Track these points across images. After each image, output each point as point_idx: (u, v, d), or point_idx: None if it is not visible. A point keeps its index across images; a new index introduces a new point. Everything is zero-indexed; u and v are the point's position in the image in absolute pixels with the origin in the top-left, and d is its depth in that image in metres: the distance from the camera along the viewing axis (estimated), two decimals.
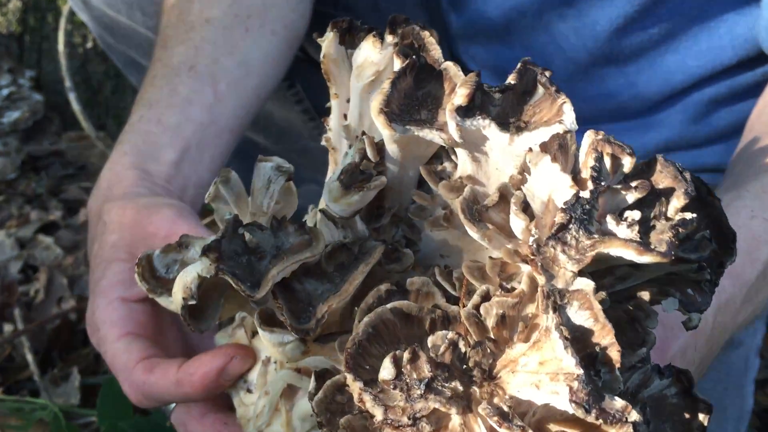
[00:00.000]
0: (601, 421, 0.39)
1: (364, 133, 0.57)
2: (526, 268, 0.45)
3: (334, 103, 0.64)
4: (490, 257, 0.49)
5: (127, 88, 2.22)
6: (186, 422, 0.69)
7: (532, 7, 1.14)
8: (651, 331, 0.50)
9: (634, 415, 0.40)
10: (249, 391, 0.66)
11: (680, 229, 0.44)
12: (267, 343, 0.56)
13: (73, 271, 1.78)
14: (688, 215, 0.44)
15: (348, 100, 0.62)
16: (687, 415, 0.48)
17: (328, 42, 0.62)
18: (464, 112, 0.48)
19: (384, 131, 0.51)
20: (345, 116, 0.62)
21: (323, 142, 0.66)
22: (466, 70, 1.42)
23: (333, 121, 0.65)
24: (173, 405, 0.72)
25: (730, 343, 1.21)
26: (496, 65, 1.25)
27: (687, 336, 0.75)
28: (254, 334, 0.65)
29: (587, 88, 1.21)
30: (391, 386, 0.43)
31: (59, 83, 2.19)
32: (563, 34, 1.16)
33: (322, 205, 0.59)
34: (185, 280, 0.53)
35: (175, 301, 0.56)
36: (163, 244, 0.66)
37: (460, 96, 0.48)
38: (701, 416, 0.48)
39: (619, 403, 0.40)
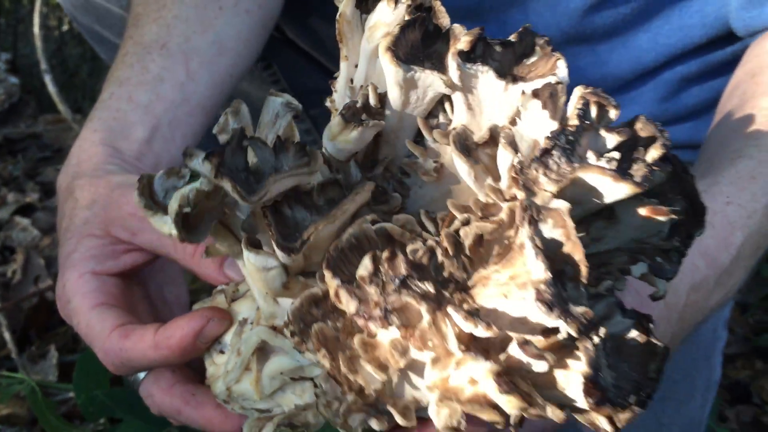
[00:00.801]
0: (562, 320, 0.41)
1: (364, 85, 0.58)
2: (505, 205, 0.47)
3: (342, 65, 0.64)
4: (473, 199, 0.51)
5: (103, 71, 2.22)
6: (153, 393, 0.69)
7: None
8: (616, 284, 0.52)
9: (594, 319, 0.42)
10: (221, 352, 0.66)
11: (654, 168, 0.46)
12: (250, 267, 0.56)
13: (50, 252, 1.79)
14: (664, 166, 0.46)
15: (356, 66, 0.62)
16: (645, 358, 0.50)
17: (346, 1, 0.61)
18: (466, 56, 0.51)
19: (389, 67, 0.53)
20: (351, 80, 0.62)
21: (327, 104, 0.66)
22: None
23: (339, 83, 0.65)
24: (141, 376, 0.71)
25: (702, 323, 1.25)
26: None
27: (660, 308, 0.77)
28: (232, 300, 0.65)
29: None
30: (368, 281, 0.45)
31: (35, 66, 2.18)
32: (537, 11, 1.18)
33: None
34: (183, 192, 0.53)
35: (170, 209, 0.55)
36: (140, 224, 0.66)
37: (463, 42, 0.51)
38: (659, 360, 0.50)
39: (581, 308, 0.42)
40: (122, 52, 0.94)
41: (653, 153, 0.47)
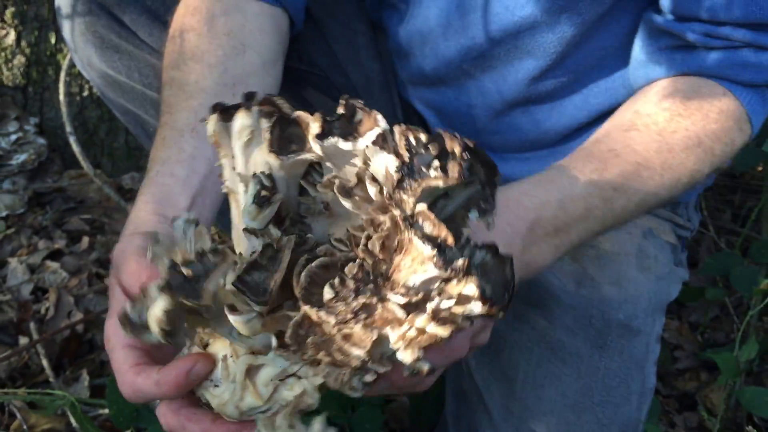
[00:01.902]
0: (451, 272, 0.62)
1: (254, 174, 0.74)
2: (386, 217, 0.67)
3: (224, 162, 0.79)
4: (362, 219, 0.70)
5: (119, 130, 2.37)
6: (164, 414, 0.81)
7: (456, 64, 1.34)
8: (465, 229, 0.71)
9: (468, 263, 0.63)
10: (216, 385, 0.77)
11: (463, 164, 0.67)
12: (236, 324, 0.68)
13: (77, 291, 1.95)
14: (466, 155, 0.67)
15: (233, 157, 0.78)
16: (500, 267, 0.68)
17: (212, 122, 0.77)
18: (321, 136, 0.71)
19: (274, 163, 0.72)
20: (233, 168, 0.78)
21: (224, 190, 0.79)
22: (413, 110, 1.60)
23: (227, 172, 0.79)
24: (158, 401, 0.83)
25: (630, 331, 1.35)
26: (437, 105, 1.45)
27: (507, 234, 0.98)
28: (205, 346, 0.79)
29: (500, 126, 1.41)
30: (334, 302, 0.64)
31: (59, 128, 2.31)
32: (489, 81, 1.35)
33: (240, 227, 0.75)
34: (155, 315, 0.68)
35: (153, 331, 0.69)
36: None
37: (315, 127, 0.71)
38: (509, 264, 0.68)
39: (460, 261, 0.63)
40: (161, 136, 1.09)
41: (457, 150, 0.68)
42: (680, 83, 1.18)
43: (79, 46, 1.43)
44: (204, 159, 1.06)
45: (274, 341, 0.71)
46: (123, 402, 1.36)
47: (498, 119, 1.41)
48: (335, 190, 0.71)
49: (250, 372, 0.76)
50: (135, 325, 0.72)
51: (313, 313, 0.63)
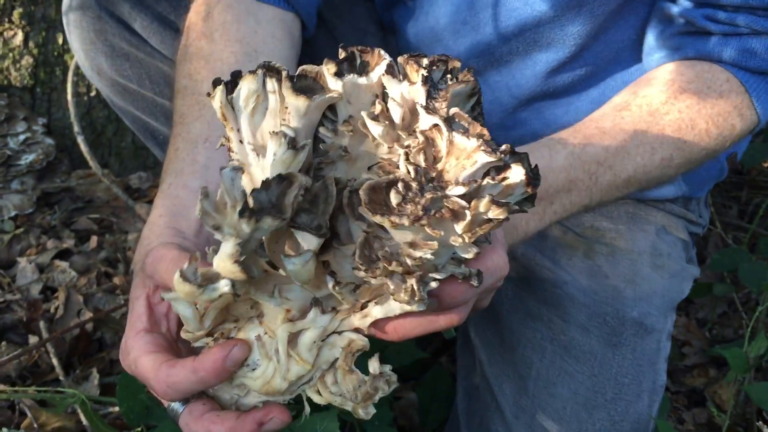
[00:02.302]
0: (500, 155, 0.68)
1: (275, 132, 0.74)
2: (415, 135, 0.72)
3: (231, 135, 0.79)
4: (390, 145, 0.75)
5: (126, 130, 2.37)
6: (188, 423, 0.81)
7: (467, 62, 1.35)
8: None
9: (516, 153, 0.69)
10: (254, 369, 0.78)
11: (469, 73, 0.75)
12: (295, 267, 0.70)
13: (86, 290, 1.96)
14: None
15: (239, 130, 0.79)
16: (526, 158, 0.70)
17: (219, 95, 0.77)
18: (337, 75, 0.76)
19: (302, 105, 0.74)
20: (241, 141, 0.79)
21: (234, 164, 0.77)
22: None
23: (235, 146, 0.79)
24: (180, 411, 0.83)
25: (645, 328, 1.35)
26: None
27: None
28: (228, 338, 0.79)
29: (528, 118, 1.41)
30: (404, 204, 0.66)
31: (67, 128, 2.33)
32: (495, 80, 1.37)
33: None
34: (227, 251, 0.68)
35: (226, 271, 0.69)
36: None
37: (331, 68, 0.76)
38: (527, 158, 0.71)
39: (504, 146, 0.69)
40: (174, 147, 1.09)
41: (458, 64, 0.77)
42: (684, 67, 1.19)
43: (89, 55, 1.43)
44: (218, 169, 1.04)
45: (331, 282, 0.73)
46: (133, 399, 1.36)
47: (511, 116, 1.42)
48: (366, 118, 0.74)
49: (291, 341, 0.77)
50: (190, 281, 0.71)
51: (385, 220, 0.66)
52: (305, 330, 0.77)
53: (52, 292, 1.98)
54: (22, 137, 2.24)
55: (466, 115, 0.71)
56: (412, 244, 0.68)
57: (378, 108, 0.75)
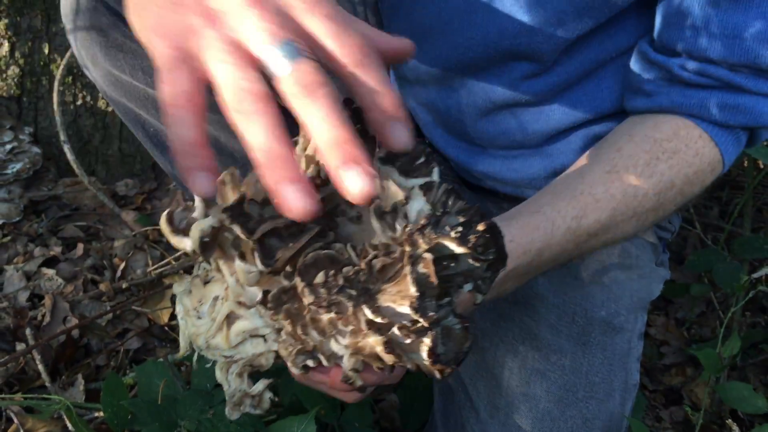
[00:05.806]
0: (422, 318, 0.70)
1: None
2: (399, 249, 0.73)
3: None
4: (380, 241, 0.76)
5: (113, 138, 2.39)
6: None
7: (451, 65, 1.36)
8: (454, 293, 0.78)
9: (438, 318, 0.71)
10: (199, 317, 0.85)
11: (480, 240, 0.73)
12: (239, 270, 0.76)
13: (73, 297, 1.98)
14: (487, 235, 0.74)
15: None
16: (462, 340, 0.75)
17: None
18: (384, 160, 0.79)
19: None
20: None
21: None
22: (405, 108, 1.63)
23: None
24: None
25: (613, 328, 1.40)
26: (429, 103, 1.47)
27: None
28: (205, 283, 0.85)
29: (487, 126, 1.42)
30: (320, 286, 0.71)
31: (54, 136, 2.34)
32: (474, 83, 1.37)
33: None
34: (202, 226, 0.73)
35: (193, 238, 0.73)
36: None
37: (382, 152, 0.79)
38: (470, 341, 0.76)
39: (432, 314, 0.71)
40: None
41: (481, 228, 0.75)
42: (662, 122, 1.20)
43: (84, 45, 1.44)
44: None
45: (259, 295, 0.80)
46: (117, 405, 1.40)
47: (485, 119, 1.43)
48: (372, 210, 0.76)
49: (230, 318, 0.83)
50: (175, 225, 0.75)
51: (300, 286, 0.72)
52: (243, 318, 0.82)
53: (39, 299, 2.01)
54: (8, 146, 2.26)
55: (433, 268, 0.71)
56: (314, 320, 0.75)
57: (389, 208, 0.77)
